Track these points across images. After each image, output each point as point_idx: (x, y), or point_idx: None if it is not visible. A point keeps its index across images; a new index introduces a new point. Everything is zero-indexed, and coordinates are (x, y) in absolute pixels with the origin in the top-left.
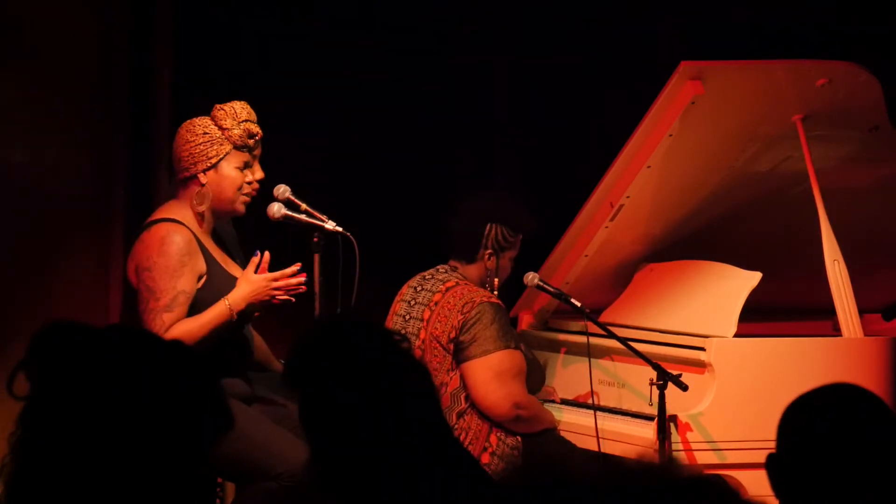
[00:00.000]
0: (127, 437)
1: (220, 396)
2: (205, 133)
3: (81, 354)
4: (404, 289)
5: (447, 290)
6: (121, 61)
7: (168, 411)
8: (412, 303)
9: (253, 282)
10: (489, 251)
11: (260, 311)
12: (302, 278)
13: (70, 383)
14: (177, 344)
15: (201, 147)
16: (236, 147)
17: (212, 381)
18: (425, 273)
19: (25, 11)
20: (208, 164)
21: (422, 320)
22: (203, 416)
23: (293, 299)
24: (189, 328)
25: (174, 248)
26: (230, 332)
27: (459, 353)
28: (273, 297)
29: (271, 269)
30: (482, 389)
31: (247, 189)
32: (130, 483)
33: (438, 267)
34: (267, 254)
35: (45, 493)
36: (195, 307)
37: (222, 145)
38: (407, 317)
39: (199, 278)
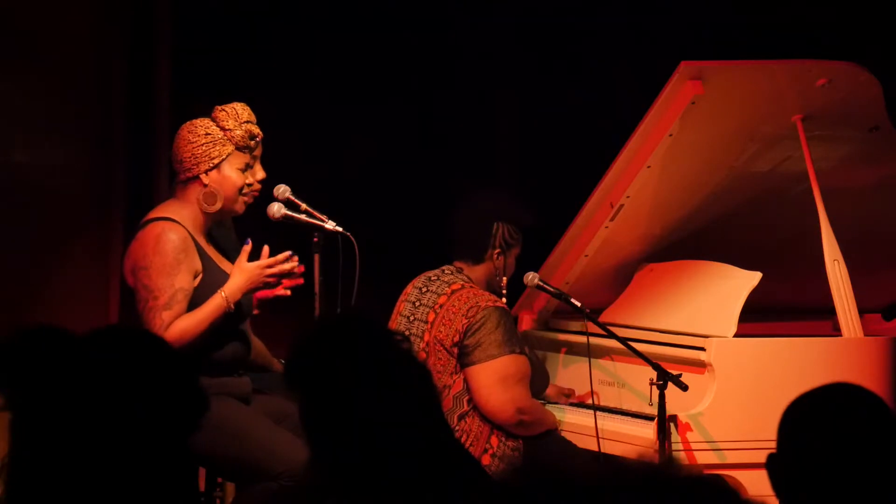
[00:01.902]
0: (106, 432)
1: (191, 380)
2: (207, 134)
3: (48, 358)
4: (409, 288)
5: (452, 292)
6: (121, 61)
7: (141, 402)
8: (417, 304)
9: (246, 270)
10: (497, 250)
11: (259, 309)
12: (294, 263)
13: (41, 387)
14: (142, 334)
15: (204, 148)
16: (238, 148)
17: (180, 366)
18: (430, 273)
19: (26, 11)
20: (211, 165)
21: (426, 322)
22: (176, 402)
23: (289, 292)
24: (188, 324)
25: (170, 246)
26: (230, 327)
27: (464, 357)
28: (268, 284)
29: None
30: (486, 393)
31: (247, 191)
32: (120, 477)
33: (444, 268)
34: (266, 248)
35: (46, 492)
36: (192, 305)
37: (224, 146)
38: (411, 318)
39: (195, 276)
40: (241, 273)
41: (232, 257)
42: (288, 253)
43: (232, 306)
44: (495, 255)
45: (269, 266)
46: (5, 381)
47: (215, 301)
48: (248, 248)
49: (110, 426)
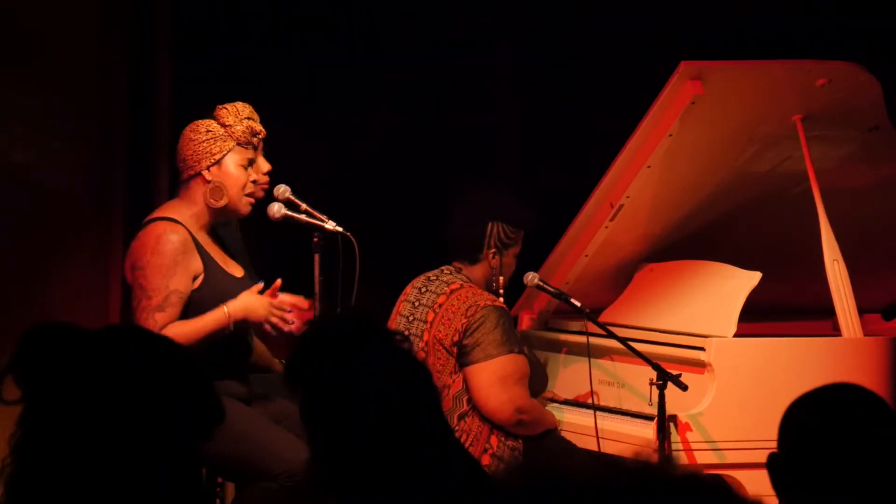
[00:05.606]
0: (119, 434)
1: (210, 390)
2: (208, 131)
3: (70, 355)
4: (408, 289)
5: (451, 292)
6: (121, 61)
7: (157, 407)
8: (416, 304)
9: (256, 297)
10: (493, 250)
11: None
12: (291, 316)
13: (60, 384)
14: (164, 339)
15: (205, 145)
16: (239, 144)
17: (200, 375)
18: (430, 274)
19: (25, 11)
20: (212, 161)
21: (425, 322)
22: (193, 410)
23: (284, 329)
24: (182, 331)
25: (169, 247)
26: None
27: (463, 356)
28: (268, 318)
29: (273, 270)
30: (485, 393)
31: (251, 188)
32: (126, 479)
33: (443, 268)
34: (278, 280)
35: (46, 492)
36: (193, 306)
37: (226, 142)
38: (410, 318)
39: (195, 278)
40: (252, 298)
41: (232, 252)
42: (299, 299)
43: (231, 326)
44: (491, 255)
45: (277, 306)
46: (22, 378)
47: (216, 314)
48: (258, 287)
49: (123, 427)
